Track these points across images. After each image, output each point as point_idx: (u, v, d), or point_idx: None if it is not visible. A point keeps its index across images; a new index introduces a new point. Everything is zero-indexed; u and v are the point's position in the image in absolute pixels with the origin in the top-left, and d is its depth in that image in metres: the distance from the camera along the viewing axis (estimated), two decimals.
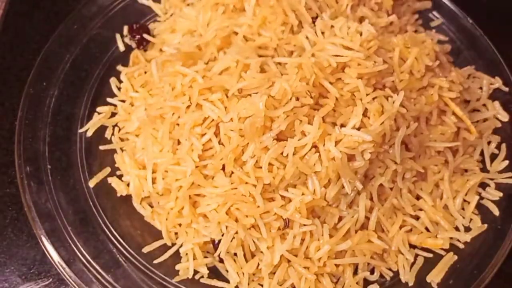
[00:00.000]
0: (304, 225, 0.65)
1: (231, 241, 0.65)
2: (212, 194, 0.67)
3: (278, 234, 0.65)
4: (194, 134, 0.68)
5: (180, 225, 0.69)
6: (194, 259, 0.66)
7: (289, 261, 0.66)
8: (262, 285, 0.65)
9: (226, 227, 0.65)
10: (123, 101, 0.78)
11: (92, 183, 0.71)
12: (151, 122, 0.72)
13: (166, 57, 0.76)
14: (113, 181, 0.72)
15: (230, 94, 0.68)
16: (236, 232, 0.65)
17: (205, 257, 0.67)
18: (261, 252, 0.66)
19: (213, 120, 0.68)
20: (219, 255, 0.66)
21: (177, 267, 0.66)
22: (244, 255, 0.66)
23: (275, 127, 0.65)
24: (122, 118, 0.77)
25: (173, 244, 0.68)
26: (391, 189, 0.68)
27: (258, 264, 0.66)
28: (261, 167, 0.65)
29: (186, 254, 0.67)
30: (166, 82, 0.73)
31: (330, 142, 0.64)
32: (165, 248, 0.68)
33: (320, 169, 0.64)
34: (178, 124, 0.70)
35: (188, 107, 0.70)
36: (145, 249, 0.67)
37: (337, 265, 0.66)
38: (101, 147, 0.74)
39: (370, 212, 0.67)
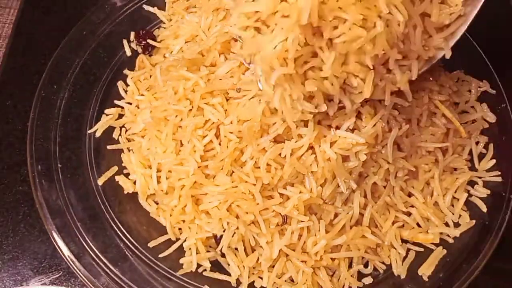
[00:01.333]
0: (302, 221, 0.65)
1: (232, 236, 0.66)
2: (214, 192, 0.67)
3: (277, 230, 0.66)
4: (196, 136, 0.69)
5: (183, 221, 0.69)
6: (197, 253, 0.67)
7: (287, 255, 0.66)
8: (262, 278, 0.66)
9: (228, 223, 0.66)
10: (130, 103, 0.79)
11: (100, 181, 0.72)
12: (156, 124, 0.73)
13: (170, 63, 0.76)
14: (120, 179, 0.72)
15: (233, 89, 0.68)
16: (237, 228, 0.66)
17: (208, 251, 0.67)
18: (261, 247, 0.66)
19: (213, 122, 0.68)
20: (221, 250, 0.66)
21: (181, 260, 0.67)
22: (245, 249, 0.67)
23: (272, 131, 0.65)
24: (128, 120, 0.77)
25: (177, 239, 0.69)
26: (384, 187, 0.69)
27: (258, 258, 0.66)
28: (260, 167, 0.65)
29: (190, 248, 0.67)
30: (170, 86, 0.73)
31: (325, 144, 0.64)
32: (169, 242, 0.69)
33: (316, 170, 0.65)
34: (181, 127, 0.71)
35: (190, 110, 0.70)
36: (151, 244, 0.68)
37: (332, 259, 0.66)
38: (109, 147, 0.75)
39: (364, 209, 0.68)
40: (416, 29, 0.59)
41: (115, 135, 0.76)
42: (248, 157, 0.66)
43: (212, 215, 0.67)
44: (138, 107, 0.78)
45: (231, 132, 0.66)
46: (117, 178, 0.72)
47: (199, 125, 0.69)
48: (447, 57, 0.62)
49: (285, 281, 0.65)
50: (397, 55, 0.59)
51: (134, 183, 0.72)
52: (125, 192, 0.72)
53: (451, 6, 0.60)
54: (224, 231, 0.66)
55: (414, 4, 0.58)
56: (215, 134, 0.69)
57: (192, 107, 0.70)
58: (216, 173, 0.68)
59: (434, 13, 0.59)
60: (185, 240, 0.68)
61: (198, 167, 0.68)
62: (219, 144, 0.68)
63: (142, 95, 0.78)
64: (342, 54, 0.56)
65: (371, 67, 0.57)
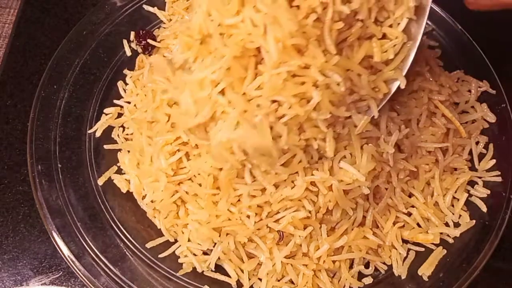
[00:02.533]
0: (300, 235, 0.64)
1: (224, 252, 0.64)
2: (196, 208, 0.65)
3: (274, 244, 0.64)
4: (164, 152, 0.67)
5: (177, 224, 0.68)
6: (195, 255, 0.66)
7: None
8: (261, 280, 0.65)
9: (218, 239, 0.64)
10: (129, 102, 0.78)
11: (101, 182, 0.70)
12: (138, 126, 0.71)
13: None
14: (116, 178, 0.71)
15: None
16: (228, 243, 0.64)
17: (205, 253, 0.66)
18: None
19: (183, 143, 0.66)
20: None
21: (180, 261, 0.66)
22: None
23: (249, 187, 0.62)
24: (127, 119, 0.76)
25: (176, 240, 0.68)
26: (386, 189, 0.67)
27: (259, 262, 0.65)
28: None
29: (185, 252, 0.66)
30: (150, 89, 0.71)
31: (324, 172, 0.62)
32: (169, 243, 0.67)
33: (317, 200, 0.63)
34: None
35: (167, 121, 0.68)
36: (149, 245, 0.67)
37: (334, 261, 0.65)
38: (106, 147, 0.74)
39: (366, 211, 0.67)
40: (361, 77, 0.58)
41: (114, 134, 0.75)
42: (224, 207, 0.63)
43: (198, 232, 0.64)
44: (136, 107, 0.77)
45: (206, 172, 0.64)
46: (112, 176, 0.71)
47: (169, 141, 0.67)
48: (402, 87, 0.60)
49: (285, 282, 0.64)
50: (345, 113, 0.58)
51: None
52: (123, 191, 0.70)
53: (392, 39, 0.58)
54: (214, 244, 0.65)
55: (353, 49, 0.57)
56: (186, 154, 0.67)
57: (168, 121, 0.68)
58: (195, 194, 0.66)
59: (376, 53, 0.58)
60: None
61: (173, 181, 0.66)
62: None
63: (138, 94, 0.77)
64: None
65: (326, 130, 0.57)
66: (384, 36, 0.59)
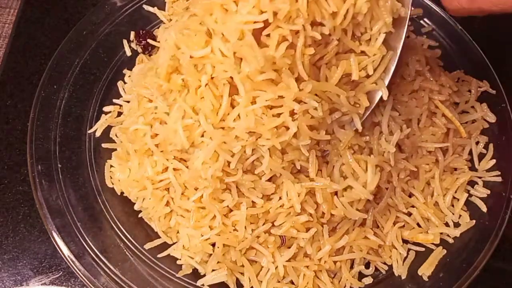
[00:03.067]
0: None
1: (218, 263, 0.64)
2: (186, 221, 0.64)
3: (276, 248, 0.64)
4: (151, 160, 0.66)
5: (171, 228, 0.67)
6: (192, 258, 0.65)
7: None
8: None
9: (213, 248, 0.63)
10: (128, 101, 0.77)
11: (109, 183, 0.70)
12: (125, 133, 0.71)
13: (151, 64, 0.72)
14: (113, 177, 0.71)
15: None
16: (224, 254, 0.63)
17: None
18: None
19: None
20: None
21: (178, 262, 0.65)
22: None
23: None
24: (125, 118, 0.75)
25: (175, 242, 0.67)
26: (387, 188, 0.67)
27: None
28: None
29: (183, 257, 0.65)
30: (135, 93, 0.70)
31: (326, 180, 0.61)
32: (168, 243, 0.67)
33: (316, 206, 0.62)
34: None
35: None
36: (147, 246, 0.66)
37: (335, 262, 0.65)
38: (104, 145, 0.73)
39: (366, 211, 0.66)
40: (340, 96, 0.58)
41: (112, 134, 0.75)
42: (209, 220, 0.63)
43: (191, 244, 0.64)
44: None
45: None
46: (111, 175, 0.71)
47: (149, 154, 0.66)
48: (385, 98, 0.60)
49: (286, 283, 0.64)
50: (325, 136, 0.59)
51: None
52: (118, 192, 0.70)
53: (370, 56, 0.58)
54: (210, 255, 0.64)
55: (331, 67, 0.57)
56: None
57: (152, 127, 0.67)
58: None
59: (354, 71, 0.57)
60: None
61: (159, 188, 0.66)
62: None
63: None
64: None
65: (307, 154, 0.58)
66: (363, 52, 0.58)
